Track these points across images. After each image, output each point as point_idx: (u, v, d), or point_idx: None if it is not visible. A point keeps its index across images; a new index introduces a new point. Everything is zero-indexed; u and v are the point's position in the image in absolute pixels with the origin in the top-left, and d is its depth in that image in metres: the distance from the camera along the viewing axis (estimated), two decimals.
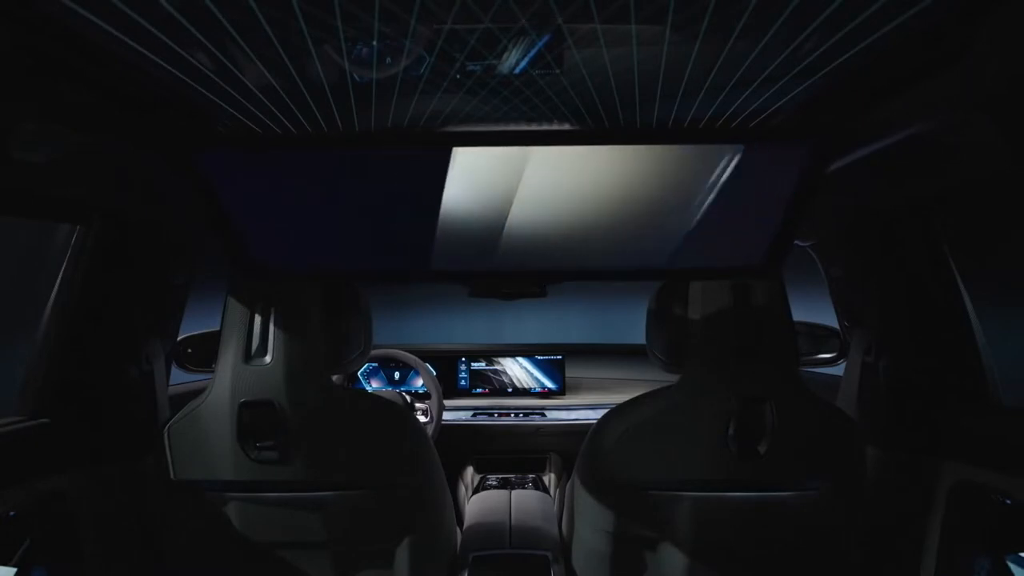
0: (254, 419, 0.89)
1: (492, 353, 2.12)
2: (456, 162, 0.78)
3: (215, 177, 0.78)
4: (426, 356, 1.88)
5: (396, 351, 1.80)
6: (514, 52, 0.58)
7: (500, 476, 1.81)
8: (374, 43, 0.56)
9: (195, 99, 0.68)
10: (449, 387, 2.07)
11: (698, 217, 0.80)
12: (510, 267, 0.84)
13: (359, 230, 0.81)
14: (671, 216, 0.80)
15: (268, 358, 0.90)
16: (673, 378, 0.97)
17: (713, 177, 0.79)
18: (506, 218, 0.81)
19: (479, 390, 2.09)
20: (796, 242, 1.21)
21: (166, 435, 0.92)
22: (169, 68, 0.60)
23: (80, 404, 0.99)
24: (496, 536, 1.26)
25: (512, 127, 0.79)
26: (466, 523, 1.36)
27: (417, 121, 0.78)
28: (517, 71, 0.63)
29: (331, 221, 0.80)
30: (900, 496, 1.05)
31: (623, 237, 0.82)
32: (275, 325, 0.91)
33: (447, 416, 1.86)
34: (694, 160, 0.78)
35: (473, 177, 0.79)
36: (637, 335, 1.11)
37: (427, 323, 2.33)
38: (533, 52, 0.59)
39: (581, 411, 1.95)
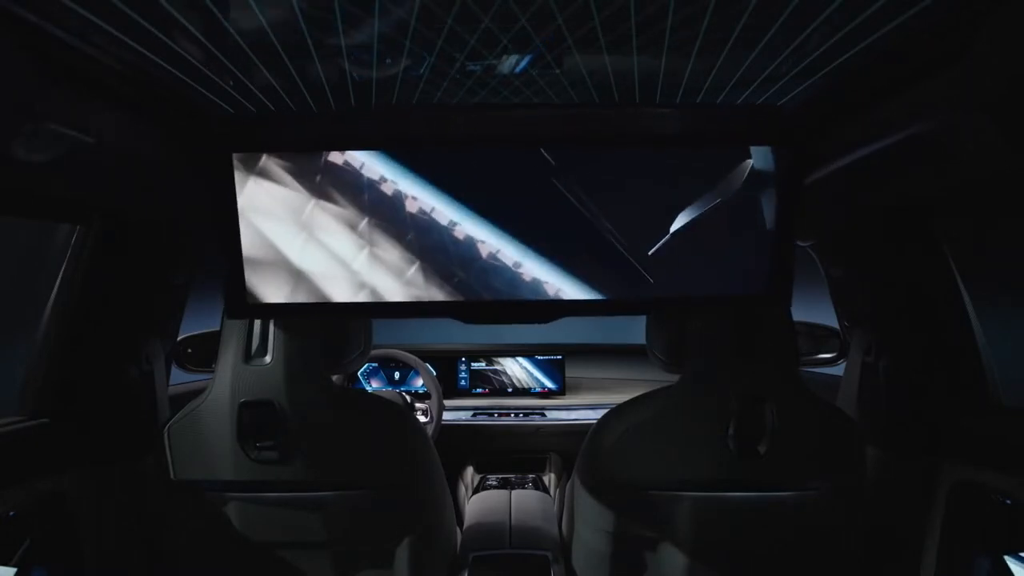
0: (254, 419, 0.89)
1: (492, 353, 2.12)
2: (452, 181, 0.78)
3: (214, 177, 0.78)
4: (426, 356, 1.88)
5: (396, 351, 1.80)
6: (514, 52, 0.58)
7: (500, 476, 1.81)
8: (375, 44, 0.56)
9: (195, 99, 0.68)
10: (449, 387, 2.07)
11: (698, 233, 0.80)
12: (501, 298, 0.82)
13: (355, 254, 0.81)
14: (669, 235, 0.80)
15: (268, 358, 0.90)
16: (673, 378, 0.97)
17: (712, 186, 0.78)
18: (499, 246, 0.81)
19: (479, 390, 2.09)
20: (796, 243, 1.21)
21: (166, 435, 0.92)
22: (169, 68, 0.60)
23: (80, 404, 0.98)
24: (496, 536, 1.26)
25: (510, 130, 0.79)
26: (466, 523, 1.36)
27: (418, 122, 0.78)
28: (517, 71, 0.63)
29: (325, 245, 0.80)
30: (900, 496, 1.05)
31: (619, 263, 0.81)
32: (275, 325, 0.91)
33: (447, 416, 1.86)
34: (691, 170, 0.78)
35: (467, 202, 0.79)
36: (637, 335, 1.11)
37: (427, 323, 2.33)
38: (533, 53, 0.59)
39: (581, 411, 1.95)
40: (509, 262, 0.81)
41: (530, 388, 2.08)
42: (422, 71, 0.63)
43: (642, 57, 0.59)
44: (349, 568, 1.00)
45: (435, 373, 1.84)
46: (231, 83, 0.64)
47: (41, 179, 0.76)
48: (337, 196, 0.79)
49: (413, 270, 0.81)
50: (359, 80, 0.65)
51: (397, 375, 2.06)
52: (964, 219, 1.01)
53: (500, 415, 1.94)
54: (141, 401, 1.09)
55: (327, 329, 0.96)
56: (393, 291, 0.81)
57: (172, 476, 0.92)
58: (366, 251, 0.80)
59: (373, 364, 2.04)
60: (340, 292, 0.81)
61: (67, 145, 0.68)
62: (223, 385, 0.90)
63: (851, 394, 1.15)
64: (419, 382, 2.03)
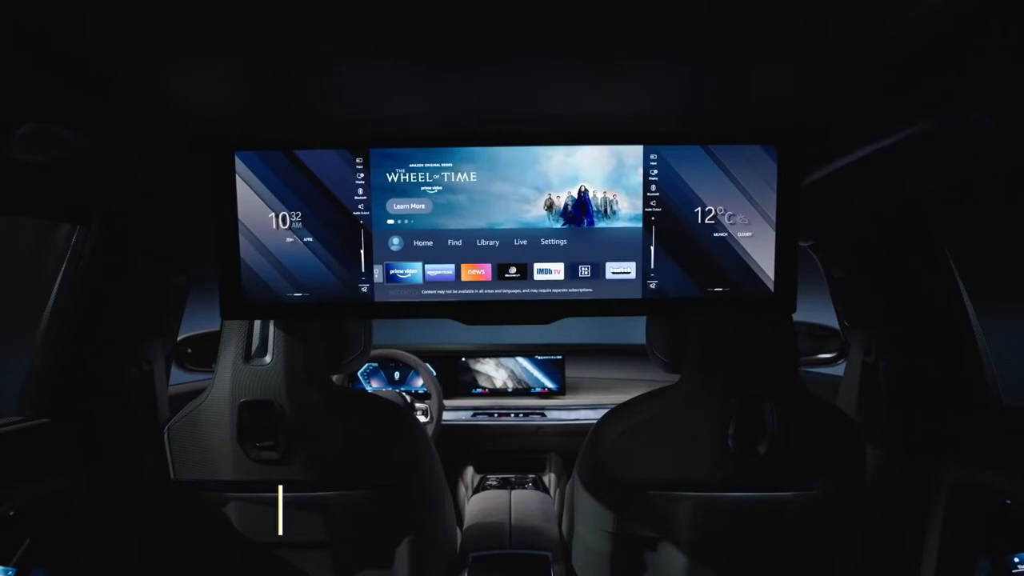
0: (254, 419, 0.89)
1: (492, 353, 2.12)
2: (452, 179, 0.78)
3: (214, 175, 0.78)
4: (426, 356, 1.88)
5: (396, 351, 1.80)
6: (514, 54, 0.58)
7: (500, 476, 1.81)
8: (374, 43, 0.56)
9: (196, 98, 0.68)
10: (449, 387, 2.07)
11: (699, 234, 0.80)
12: (501, 298, 0.82)
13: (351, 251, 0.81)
14: (670, 235, 0.80)
15: (268, 358, 0.90)
16: (673, 378, 0.97)
17: (712, 186, 0.78)
18: (499, 245, 0.81)
19: (479, 390, 2.09)
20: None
21: (166, 435, 0.92)
22: (169, 68, 0.60)
23: (80, 404, 0.99)
24: (496, 536, 1.25)
25: (511, 128, 0.79)
26: (466, 523, 1.36)
27: (418, 120, 0.78)
28: (515, 71, 0.63)
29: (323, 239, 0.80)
30: (900, 496, 1.05)
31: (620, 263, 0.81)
32: (275, 325, 0.91)
33: (447, 416, 1.86)
34: (692, 170, 0.78)
35: (467, 200, 0.79)
36: (637, 335, 1.11)
37: (427, 323, 2.33)
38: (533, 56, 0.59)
39: (581, 411, 1.95)
40: (510, 262, 0.81)
41: (530, 388, 2.08)
42: (422, 71, 0.63)
43: (642, 58, 0.59)
44: (349, 568, 1.00)
45: (435, 373, 1.84)
46: (230, 82, 0.64)
47: (41, 179, 0.76)
48: (337, 194, 0.79)
49: (413, 269, 0.81)
50: (357, 78, 0.65)
51: (397, 375, 2.06)
52: (964, 219, 1.01)
53: (500, 415, 1.94)
54: (141, 401, 1.09)
55: (327, 329, 0.96)
56: (393, 291, 0.81)
57: (172, 476, 0.92)
58: (365, 250, 0.80)
59: (373, 364, 2.04)
60: (339, 292, 0.81)
61: (67, 145, 0.68)
62: (223, 385, 0.90)
63: (851, 394, 1.15)
64: (419, 382, 2.03)
